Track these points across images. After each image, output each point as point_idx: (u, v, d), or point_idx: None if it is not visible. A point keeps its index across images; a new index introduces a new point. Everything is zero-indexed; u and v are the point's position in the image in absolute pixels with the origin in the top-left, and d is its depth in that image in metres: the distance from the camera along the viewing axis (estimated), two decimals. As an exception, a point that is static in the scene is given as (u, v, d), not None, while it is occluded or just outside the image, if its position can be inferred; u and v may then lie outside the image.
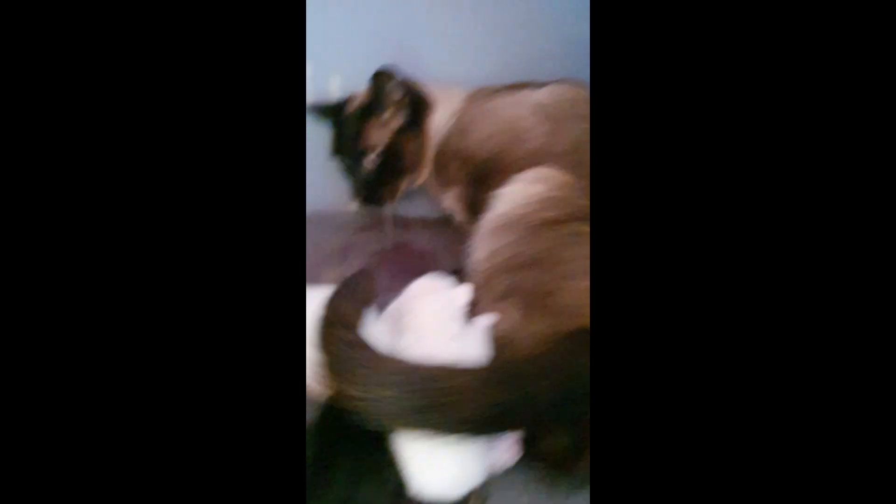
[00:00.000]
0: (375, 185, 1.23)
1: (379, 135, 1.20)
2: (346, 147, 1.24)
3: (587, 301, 0.78)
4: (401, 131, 1.20)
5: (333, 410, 0.77)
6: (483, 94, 1.22)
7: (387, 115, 1.20)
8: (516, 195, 0.96)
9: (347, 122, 1.23)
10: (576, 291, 0.81)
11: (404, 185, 1.25)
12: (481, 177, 1.11)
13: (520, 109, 1.12)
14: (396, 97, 1.19)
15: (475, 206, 1.08)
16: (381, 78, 1.16)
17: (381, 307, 0.94)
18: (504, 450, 0.77)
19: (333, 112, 1.29)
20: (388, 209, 1.27)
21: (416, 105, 1.21)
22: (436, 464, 0.72)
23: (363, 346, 0.72)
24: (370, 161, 1.21)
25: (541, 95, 1.13)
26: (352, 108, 1.24)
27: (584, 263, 0.81)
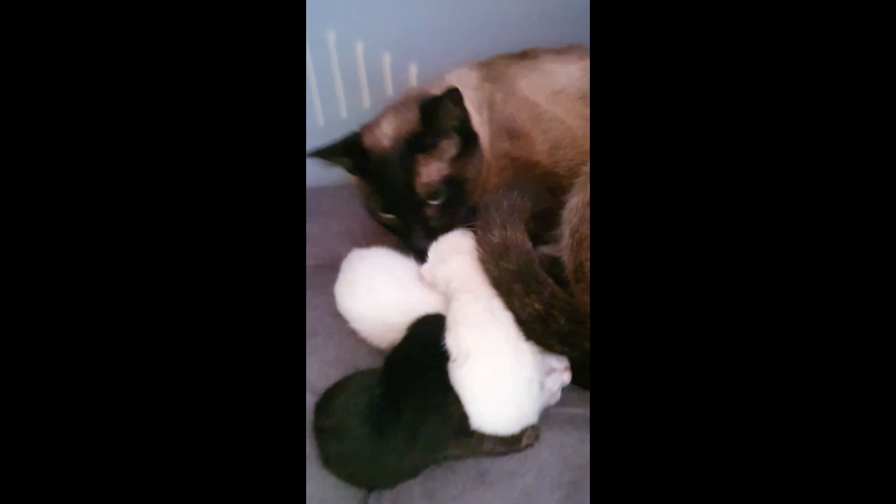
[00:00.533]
0: (440, 227, 0.98)
1: (435, 170, 0.97)
2: (398, 198, 0.98)
3: None
4: (458, 158, 0.98)
5: (400, 355, 0.85)
6: (499, 69, 1.06)
7: (443, 144, 0.97)
8: None
9: (391, 167, 0.96)
10: None
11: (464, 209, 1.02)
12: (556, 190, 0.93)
13: (574, 104, 0.99)
14: (453, 122, 0.96)
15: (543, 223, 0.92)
16: (442, 103, 0.93)
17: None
18: (554, 380, 0.84)
19: (354, 153, 1.00)
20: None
21: (466, 123, 0.98)
22: (495, 402, 0.78)
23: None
24: (433, 207, 0.98)
25: (575, 76, 1.02)
26: (387, 146, 0.98)
27: None
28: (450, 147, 0.97)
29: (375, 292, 0.95)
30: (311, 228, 1.23)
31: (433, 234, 0.96)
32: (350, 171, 1.04)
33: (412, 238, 0.98)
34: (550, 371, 0.83)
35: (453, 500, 0.75)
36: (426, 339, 0.85)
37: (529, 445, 0.81)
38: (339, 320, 0.99)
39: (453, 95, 0.92)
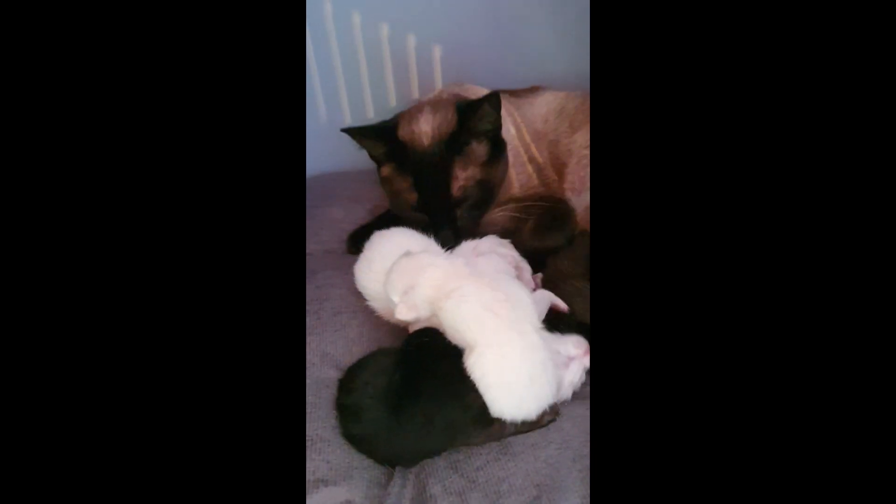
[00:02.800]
0: (468, 229, 1.05)
1: (470, 174, 1.02)
2: (433, 198, 1.02)
3: None
4: (488, 163, 1.04)
5: (417, 340, 0.84)
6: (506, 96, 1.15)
7: (475, 147, 1.02)
8: None
9: (430, 167, 1.01)
10: None
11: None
12: None
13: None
14: (488, 126, 1.02)
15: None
16: (482, 106, 0.98)
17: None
18: (574, 370, 0.82)
19: (389, 141, 1.03)
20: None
21: (498, 129, 1.05)
22: (512, 391, 0.76)
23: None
24: (463, 209, 1.03)
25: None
26: (426, 145, 1.01)
27: None
28: (480, 151, 1.02)
29: None
30: (336, 213, 1.24)
31: (458, 234, 1.02)
32: (379, 158, 1.07)
33: (439, 237, 0.99)
34: (569, 361, 0.81)
35: (477, 471, 0.76)
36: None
37: (552, 421, 0.81)
38: (362, 299, 1.00)
39: (493, 100, 0.98)
